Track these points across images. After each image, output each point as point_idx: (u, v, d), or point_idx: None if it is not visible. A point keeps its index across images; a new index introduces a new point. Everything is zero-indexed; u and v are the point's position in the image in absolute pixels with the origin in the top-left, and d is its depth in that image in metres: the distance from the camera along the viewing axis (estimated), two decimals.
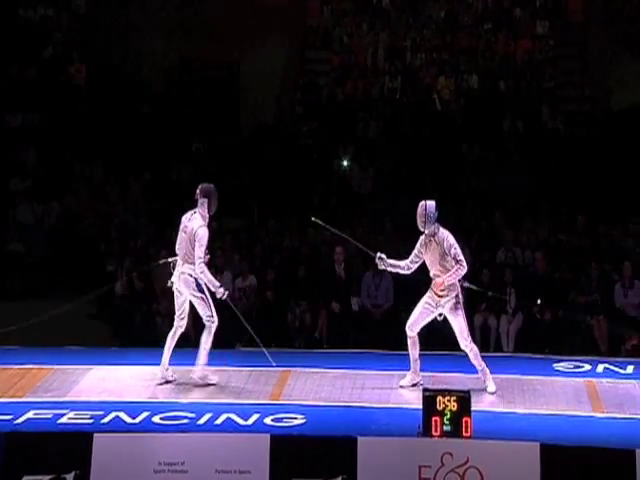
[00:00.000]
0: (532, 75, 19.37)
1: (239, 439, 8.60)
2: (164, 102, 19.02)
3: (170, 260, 10.04)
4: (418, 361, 9.99)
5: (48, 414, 9.15)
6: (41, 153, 17.47)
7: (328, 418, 9.20)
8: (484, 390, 9.84)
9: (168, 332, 10.26)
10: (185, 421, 9.02)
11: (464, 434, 8.47)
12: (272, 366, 10.26)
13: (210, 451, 8.47)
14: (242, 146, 18.19)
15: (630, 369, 10.87)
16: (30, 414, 9.15)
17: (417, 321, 9.88)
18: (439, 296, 9.76)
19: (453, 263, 9.68)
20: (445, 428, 8.48)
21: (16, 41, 18.98)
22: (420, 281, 10.58)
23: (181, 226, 9.99)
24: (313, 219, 10.73)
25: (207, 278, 9.77)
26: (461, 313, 9.77)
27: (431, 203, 9.74)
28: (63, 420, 9.01)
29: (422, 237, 9.83)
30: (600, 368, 10.88)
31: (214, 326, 9.88)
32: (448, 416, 8.49)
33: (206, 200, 9.85)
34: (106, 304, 14.30)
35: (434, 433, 8.49)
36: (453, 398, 8.53)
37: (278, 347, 12.10)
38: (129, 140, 17.71)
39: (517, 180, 16.88)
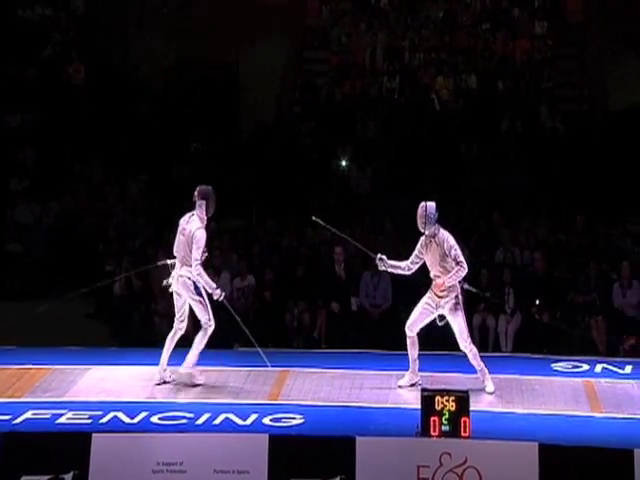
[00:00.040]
0: (531, 75, 19.38)
1: (238, 439, 8.60)
2: (163, 102, 19.02)
3: (169, 262, 10.03)
4: (417, 361, 9.99)
5: (46, 414, 9.15)
6: (40, 153, 17.46)
7: (326, 418, 9.20)
8: (482, 390, 9.84)
9: (167, 332, 10.26)
10: (183, 421, 9.01)
11: (462, 434, 8.47)
12: (268, 366, 10.24)
13: (209, 451, 8.47)
14: (241, 146, 18.19)
15: (628, 369, 10.87)
16: (28, 414, 9.15)
17: (417, 321, 9.88)
18: (439, 297, 9.76)
19: (453, 264, 9.68)
20: (443, 428, 8.48)
21: (15, 41, 18.97)
22: (419, 281, 10.59)
23: (179, 229, 9.98)
24: (314, 218, 10.73)
25: (204, 280, 9.77)
26: (461, 314, 9.77)
27: (431, 204, 9.74)
28: (61, 420, 9.01)
29: (422, 238, 9.83)
30: (598, 368, 10.88)
31: (210, 330, 9.89)
32: (447, 416, 8.49)
33: (204, 202, 9.85)
34: (104, 304, 14.30)
35: (432, 433, 8.50)
36: (452, 398, 8.53)
37: (276, 347, 12.11)
38: (128, 140, 17.70)
39: (516, 180, 16.88)
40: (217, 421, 9.02)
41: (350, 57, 20.16)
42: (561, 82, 19.62)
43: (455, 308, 9.73)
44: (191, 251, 9.73)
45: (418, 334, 9.93)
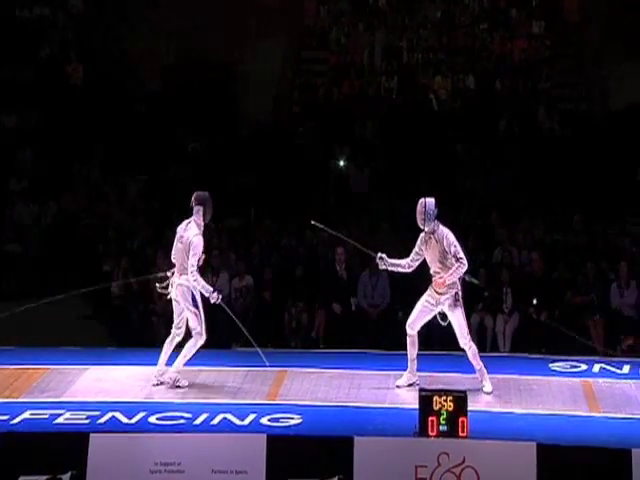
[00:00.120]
0: (528, 75, 19.38)
1: (235, 439, 8.60)
2: (161, 102, 19.01)
3: (169, 274, 10.02)
4: (415, 361, 9.99)
5: (44, 414, 9.15)
6: (38, 153, 17.45)
7: (325, 418, 9.20)
8: (480, 390, 9.84)
9: (165, 332, 10.26)
10: (181, 421, 9.01)
11: (460, 434, 8.48)
12: (266, 366, 10.24)
13: (206, 451, 8.47)
14: (239, 146, 18.17)
15: (626, 369, 10.88)
16: (26, 414, 9.15)
17: (417, 319, 9.88)
18: (439, 293, 9.76)
19: (453, 261, 9.68)
20: (441, 428, 8.49)
21: (13, 41, 18.95)
22: (417, 281, 10.59)
23: (177, 236, 9.98)
24: (312, 222, 10.75)
25: (200, 285, 9.77)
26: (460, 310, 9.77)
27: (430, 200, 9.74)
28: (59, 420, 9.01)
29: (422, 235, 9.83)
30: (596, 368, 10.89)
31: (201, 342, 9.89)
32: (444, 416, 8.49)
33: (201, 208, 9.85)
34: (102, 304, 14.30)
35: (430, 433, 8.50)
36: (449, 398, 8.53)
37: (275, 347, 12.11)
38: (126, 140, 17.69)
39: (513, 180, 16.89)
40: (215, 421, 9.02)
41: (348, 57, 20.15)
42: (559, 82, 19.62)
43: (455, 304, 9.73)
44: (188, 259, 9.73)
45: (418, 334, 9.93)
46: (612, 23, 19.65)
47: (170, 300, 10.07)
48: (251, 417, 9.10)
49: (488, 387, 9.88)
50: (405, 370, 10.05)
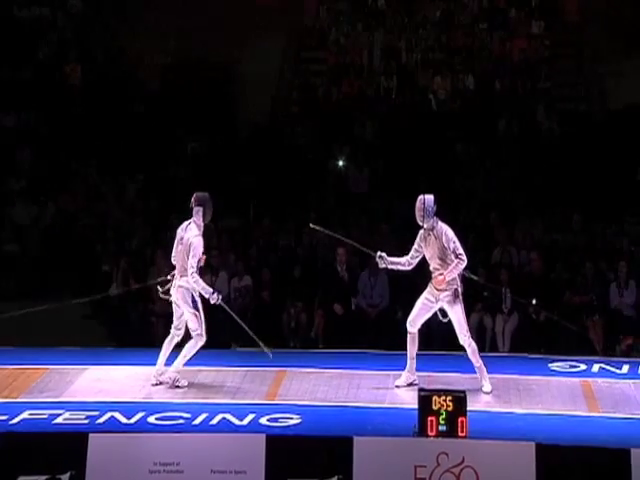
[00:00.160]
0: (528, 75, 19.37)
1: (235, 439, 8.60)
2: (160, 102, 19.00)
3: (169, 277, 10.01)
4: (414, 360, 9.98)
5: (43, 414, 9.15)
6: (37, 153, 17.44)
7: (324, 418, 9.20)
8: (480, 390, 9.84)
9: (164, 332, 10.25)
10: (180, 421, 9.01)
11: (460, 434, 8.47)
12: (269, 358, 10.17)
13: (206, 451, 8.46)
14: (238, 146, 18.17)
15: (625, 369, 10.89)
16: (25, 414, 9.14)
17: (418, 317, 9.88)
18: (438, 290, 9.76)
19: (453, 257, 9.68)
20: (441, 428, 8.48)
21: (11, 41, 18.94)
22: (416, 280, 10.58)
23: (177, 238, 9.98)
24: (311, 226, 10.76)
25: (200, 286, 9.77)
26: (460, 306, 9.76)
27: (429, 197, 9.75)
28: (58, 420, 9.00)
29: (421, 231, 9.84)
30: (595, 368, 10.89)
31: (201, 343, 9.89)
32: (444, 416, 8.49)
33: (201, 208, 9.85)
34: (102, 304, 14.28)
35: (430, 433, 8.49)
36: (449, 398, 8.53)
37: (274, 347, 12.08)
38: (125, 140, 17.68)
39: (512, 180, 16.89)
40: (214, 421, 9.02)
41: (347, 57, 20.14)
42: (558, 82, 19.62)
43: (454, 301, 9.73)
44: (188, 259, 9.72)
45: (419, 333, 9.92)
46: (611, 23, 19.65)
47: (170, 300, 10.06)
48: (250, 417, 9.10)
49: (487, 387, 9.88)
50: (404, 370, 10.04)
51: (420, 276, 10.47)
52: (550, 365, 10.97)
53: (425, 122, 18.45)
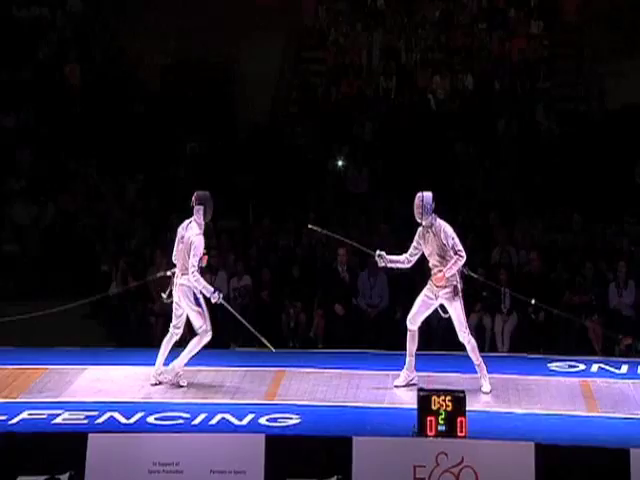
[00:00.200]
0: (527, 75, 19.37)
1: (234, 439, 8.60)
2: (159, 102, 19.00)
3: (169, 273, 10.02)
4: (414, 357, 9.98)
5: (43, 414, 9.15)
6: (36, 153, 17.44)
7: (323, 418, 9.20)
8: (479, 390, 9.84)
9: (163, 332, 10.25)
10: (180, 421, 9.01)
11: (459, 434, 8.48)
12: (271, 352, 10.16)
13: (205, 451, 8.47)
14: (237, 146, 18.17)
15: (624, 369, 10.89)
16: (24, 414, 9.15)
17: (417, 314, 9.89)
18: (438, 287, 9.76)
19: (452, 253, 9.69)
20: (440, 428, 8.49)
21: (10, 41, 18.94)
22: (416, 280, 10.58)
23: (178, 236, 9.98)
24: (310, 226, 10.76)
25: (201, 285, 9.77)
26: (459, 303, 9.77)
27: (428, 194, 9.77)
28: (58, 420, 9.01)
29: (420, 229, 9.85)
30: (595, 368, 10.90)
31: (207, 338, 9.88)
32: (443, 416, 8.49)
33: (202, 207, 9.86)
34: (101, 304, 14.28)
35: (429, 433, 8.50)
36: (448, 398, 8.54)
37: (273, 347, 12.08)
38: (124, 140, 17.68)
39: (512, 180, 16.89)
40: (213, 421, 9.02)
41: (347, 57, 20.13)
42: (557, 82, 19.61)
43: (454, 298, 9.73)
44: (189, 258, 9.72)
45: (419, 332, 9.92)
46: (611, 23, 19.65)
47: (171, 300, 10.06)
48: (249, 417, 9.10)
49: (486, 387, 9.88)
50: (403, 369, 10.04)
51: (419, 276, 10.48)
52: (549, 365, 10.98)
53: (424, 122, 18.45)
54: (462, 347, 9.96)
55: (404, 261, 9.97)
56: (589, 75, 19.76)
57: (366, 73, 19.81)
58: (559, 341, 13.22)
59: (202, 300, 9.86)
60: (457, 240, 9.76)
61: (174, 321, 10.02)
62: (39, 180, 16.92)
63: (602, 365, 10.98)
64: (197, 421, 9.02)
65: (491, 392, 9.86)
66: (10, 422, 8.96)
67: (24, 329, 11.90)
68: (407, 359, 9.97)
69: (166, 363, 10.05)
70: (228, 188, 15.83)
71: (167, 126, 18.05)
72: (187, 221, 9.96)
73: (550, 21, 20.42)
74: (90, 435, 8.50)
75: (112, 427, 8.85)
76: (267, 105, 19.41)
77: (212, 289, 9.83)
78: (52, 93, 18.55)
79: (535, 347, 12.88)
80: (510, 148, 17.75)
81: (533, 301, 13.12)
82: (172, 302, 9.98)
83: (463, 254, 9.71)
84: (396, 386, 10.01)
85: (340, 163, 17.78)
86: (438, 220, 9.77)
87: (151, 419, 9.04)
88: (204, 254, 9.85)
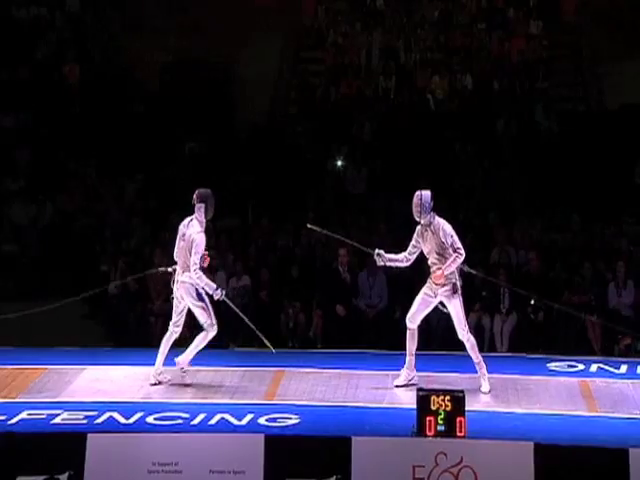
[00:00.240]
0: (526, 75, 19.38)
1: (233, 439, 8.60)
2: (158, 102, 19.00)
3: (169, 269, 10.02)
4: (414, 356, 9.97)
5: (42, 414, 9.14)
6: (35, 153, 17.43)
7: (322, 418, 9.20)
8: (478, 390, 9.84)
9: (162, 332, 10.25)
10: (179, 421, 9.01)
11: (458, 434, 8.48)
12: (272, 353, 10.17)
13: (204, 451, 8.46)
14: (236, 146, 18.17)
15: (624, 369, 10.89)
16: (24, 414, 9.14)
17: (417, 312, 9.88)
18: (437, 285, 9.76)
19: (451, 251, 9.69)
20: (439, 428, 8.49)
21: (9, 41, 18.93)
22: (415, 280, 10.58)
23: (179, 234, 9.97)
24: (309, 225, 10.77)
25: (204, 282, 9.77)
26: (459, 301, 9.77)
27: (426, 193, 9.79)
28: (57, 420, 9.00)
29: (418, 227, 9.86)
30: (594, 368, 10.90)
31: (212, 333, 9.89)
32: (442, 416, 8.49)
33: (203, 205, 9.86)
34: (100, 304, 14.28)
35: (428, 433, 8.50)
36: (447, 398, 8.53)
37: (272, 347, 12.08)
38: (123, 140, 17.68)
39: (511, 179, 16.90)
40: (213, 421, 9.02)
41: (346, 57, 20.14)
42: (556, 82, 19.63)
43: (453, 295, 9.74)
44: (191, 256, 9.72)
45: (419, 332, 9.92)
46: (610, 23, 19.66)
47: (167, 299, 10.06)
48: (249, 417, 9.10)
49: (486, 387, 9.88)
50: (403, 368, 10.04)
51: (418, 276, 10.47)
52: (548, 365, 10.98)
53: (423, 122, 18.45)
54: (461, 347, 9.96)
55: (403, 260, 9.98)
56: (588, 75, 19.77)
57: (365, 73, 19.81)
58: (558, 341, 13.22)
59: (204, 295, 9.86)
60: (456, 238, 9.77)
61: (174, 318, 10.02)
62: (38, 180, 16.91)
63: (601, 365, 10.98)
64: (196, 421, 9.01)
65: (490, 392, 9.85)
66: (9, 422, 8.95)
67: (23, 329, 11.90)
68: (407, 358, 9.97)
69: (165, 364, 10.04)
70: (227, 188, 15.83)
71: (166, 126, 18.04)
72: (188, 219, 9.96)
73: (549, 21, 20.44)
74: (89, 435, 8.49)
75: (111, 427, 8.84)
76: (266, 105, 19.42)
77: (215, 286, 9.83)
78: (51, 93, 18.55)
79: (534, 347, 12.88)
80: (509, 148, 17.75)
81: (533, 301, 13.19)
82: (174, 295, 9.97)
83: (462, 252, 9.72)
84: (396, 386, 10.00)
85: (339, 163, 17.78)
86: (437, 218, 9.79)
87: (150, 419, 9.03)
88: (206, 255, 9.84)
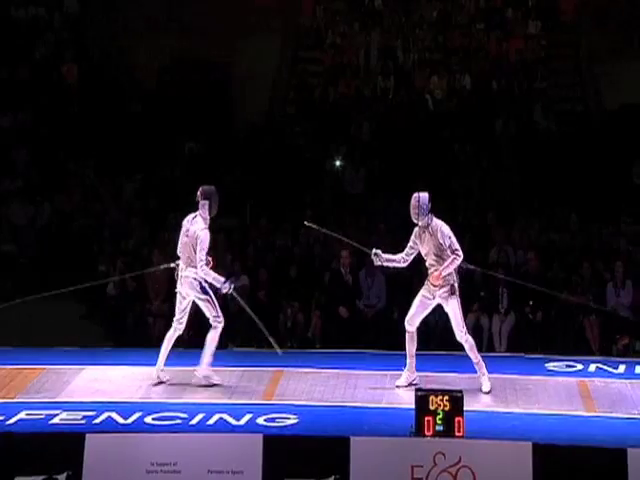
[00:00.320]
0: (525, 75, 19.39)
1: (232, 439, 8.60)
2: (157, 102, 19.00)
3: (172, 265, 10.02)
4: (414, 358, 9.97)
5: (40, 414, 9.13)
6: (33, 153, 17.42)
7: (321, 418, 9.20)
8: (477, 390, 9.84)
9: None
10: (177, 421, 9.00)
11: (456, 434, 8.48)
12: (270, 353, 10.17)
13: (203, 451, 8.46)
14: (235, 146, 18.17)
15: (622, 368, 10.89)
16: (22, 414, 9.13)
17: (416, 314, 9.88)
18: (435, 286, 9.77)
19: (449, 253, 9.70)
20: (437, 428, 8.49)
21: (8, 41, 18.93)
22: (413, 281, 10.58)
23: (182, 230, 9.98)
24: (307, 223, 10.77)
25: (212, 277, 9.78)
26: (457, 302, 9.76)
27: (424, 194, 9.79)
28: (55, 420, 8.99)
29: (416, 229, 9.86)
30: (592, 368, 10.90)
31: (220, 326, 9.90)
32: (441, 416, 8.49)
33: (207, 202, 9.87)
34: (98, 304, 14.28)
35: (426, 433, 8.50)
36: (446, 398, 8.53)
37: (271, 347, 12.08)
38: (122, 140, 17.68)
39: (509, 180, 16.90)
40: (211, 421, 9.01)
41: (344, 57, 20.14)
42: (555, 82, 19.64)
43: (451, 297, 9.73)
44: (196, 252, 9.73)
45: (418, 333, 9.92)
46: (608, 23, 19.67)
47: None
48: (247, 417, 9.10)
49: (486, 386, 9.87)
50: (402, 369, 10.04)
51: (417, 276, 10.48)
52: (547, 365, 10.98)
53: (422, 122, 18.46)
54: (460, 347, 9.96)
55: (400, 260, 9.99)
56: (586, 75, 19.78)
57: (364, 73, 19.81)
58: (557, 341, 13.24)
59: (209, 289, 9.86)
60: (454, 240, 9.77)
61: (177, 315, 10.01)
62: (36, 180, 16.90)
63: (600, 365, 10.98)
64: (195, 421, 9.01)
65: (491, 392, 9.84)
66: (7, 422, 8.94)
67: (22, 329, 11.90)
68: (407, 360, 9.97)
69: (167, 362, 10.04)
70: (226, 188, 15.81)
71: (165, 126, 18.04)
72: (192, 215, 9.97)
73: (548, 21, 20.44)
74: (88, 435, 8.49)
75: (110, 427, 8.84)
76: (265, 105, 19.41)
77: (222, 279, 9.83)
78: (49, 93, 18.54)
79: (533, 347, 12.89)
80: (508, 148, 17.76)
81: (531, 302, 13.20)
82: (177, 291, 9.96)
83: (460, 254, 9.73)
84: (397, 386, 9.99)
85: (338, 163, 17.78)
86: (435, 220, 9.79)
87: (149, 419, 9.03)
88: (209, 257, 9.84)
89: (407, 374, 10.01)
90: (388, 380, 10.16)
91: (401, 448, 8.46)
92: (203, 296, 9.85)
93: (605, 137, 17.69)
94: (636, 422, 9.21)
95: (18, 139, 17.58)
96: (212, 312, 9.87)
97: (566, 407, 9.61)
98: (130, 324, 13.91)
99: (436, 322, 12.04)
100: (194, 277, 9.81)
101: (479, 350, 10.27)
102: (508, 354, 12.74)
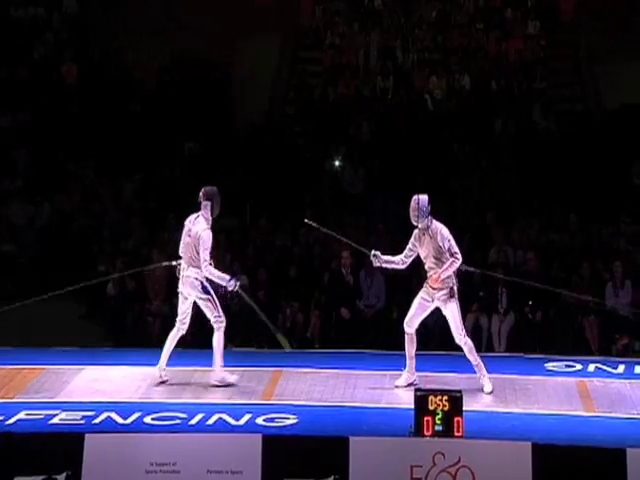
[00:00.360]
0: (524, 75, 19.40)
1: (231, 439, 8.59)
2: (156, 102, 19.00)
3: (174, 263, 10.02)
4: (414, 359, 9.96)
5: (39, 415, 9.13)
6: (33, 153, 17.43)
7: (320, 418, 9.20)
8: (477, 390, 9.84)
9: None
10: (177, 421, 9.00)
11: (456, 434, 8.48)
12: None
13: (202, 451, 8.46)
14: (234, 146, 18.17)
15: (621, 368, 10.89)
16: (21, 415, 9.13)
17: (414, 316, 9.87)
18: (434, 289, 9.77)
19: (448, 255, 9.69)
20: (437, 428, 8.48)
21: (7, 41, 18.93)
22: (412, 281, 10.58)
23: (184, 229, 9.98)
24: (306, 221, 10.77)
25: (217, 275, 9.79)
26: (456, 305, 9.76)
27: (424, 197, 9.77)
28: (55, 421, 8.99)
29: (415, 231, 9.85)
30: (591, 367, 10.90)
31: (223, 326, 9.90)
32: (440, 416, 8.49)
33: (209, 203, 9.87)
34: (98, 304, 14.29)
35: (426, 433, 8.49)
36: (445, 398, 8.53)
37: (270, 347, 12.10)
38: (121, 140, 17.68)
39: (509, 180, 16.91)
40: (210, 421, 9.01)
41: (343, 57, 20.15)
42: (554, 82, 19.65)
43: (450, 300, 9.73)
44: (198, 253, 9.73)
45: (417, 333, 9.92)
46: (607, 23, 19.67)
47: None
48: (246, 417, 9.09)
49: (488, 387, 9.84)
50: (402, 370, 10.04)
51: (416, 276, 10.48)
52: (546, 365, 10.97)
53: (421, 122, 18.47)
54: (459, 347, 9.96)
55: (399, 262, 9.99)
56: (586, 75, 19.79)
57: (363, 73, 19.82)
58: (556, 341, 13.24)
59: (210, 289, 9.86)
60: (453, 242, 9.76)
61: (180, 315, 10.00)
62: (35, 180, 16.91)
63: (599, 365, 10.98)
64: (194, 421, 9.01)
65: (492, 392, 9.84)
66: (7, 422, 8.93)
67: (22, 329, 11.89)
68: (407, 362, 9.96)
69: (168, 362, 10.04)
70: (225, 188, 15.81)
71: (164, 126, 18.05)
72: (194, 215, 9.97)
73: (547, 21, 20.45)
74: (87, 435, 8.49)
75: (109, 427, 8.83)
76: (264, 105, 19.42)
77: (227, 277, 9.83)
78: (49, 93, 18.55)
79: (532, 347, 12.89)
80: (507, 148, 17.77)
81: (530, 302, 13.20)
82: (179, 291, 9.96)
83: (459, 256, 9.72)
84: (397, 386, 9.99)
85: (337, 163, 17.79)
86: (434, 222, 9.78)
87: (148, 419, 9.03)
88: (211, 257, 9.85)
89: (407, 375, 10.00)
90: (387, 380, 10.16)
91: (400, 448, 8.46)
92: (204, 296, 9.85)
93: (605, 137, 17.70)
94: (635, 422, 9.21)
95: (18, 139, 17.59)
96: (213, 312, 9.88)
97: (565, 407, 9.61)
98: (129, 324, 13.91)
99: (435, 322, 12.03)
100: (196, 277, 9.81)
101: (478, 350, 10.26)
102: (507, 354, 12.75)
